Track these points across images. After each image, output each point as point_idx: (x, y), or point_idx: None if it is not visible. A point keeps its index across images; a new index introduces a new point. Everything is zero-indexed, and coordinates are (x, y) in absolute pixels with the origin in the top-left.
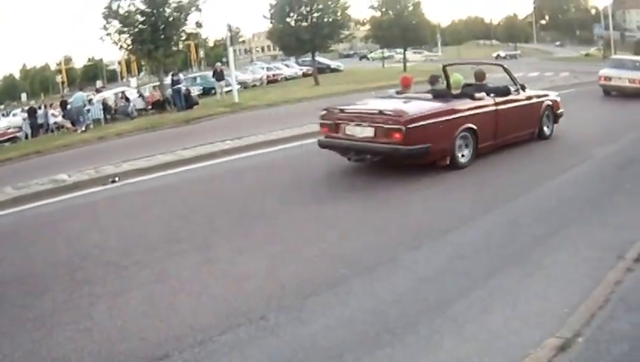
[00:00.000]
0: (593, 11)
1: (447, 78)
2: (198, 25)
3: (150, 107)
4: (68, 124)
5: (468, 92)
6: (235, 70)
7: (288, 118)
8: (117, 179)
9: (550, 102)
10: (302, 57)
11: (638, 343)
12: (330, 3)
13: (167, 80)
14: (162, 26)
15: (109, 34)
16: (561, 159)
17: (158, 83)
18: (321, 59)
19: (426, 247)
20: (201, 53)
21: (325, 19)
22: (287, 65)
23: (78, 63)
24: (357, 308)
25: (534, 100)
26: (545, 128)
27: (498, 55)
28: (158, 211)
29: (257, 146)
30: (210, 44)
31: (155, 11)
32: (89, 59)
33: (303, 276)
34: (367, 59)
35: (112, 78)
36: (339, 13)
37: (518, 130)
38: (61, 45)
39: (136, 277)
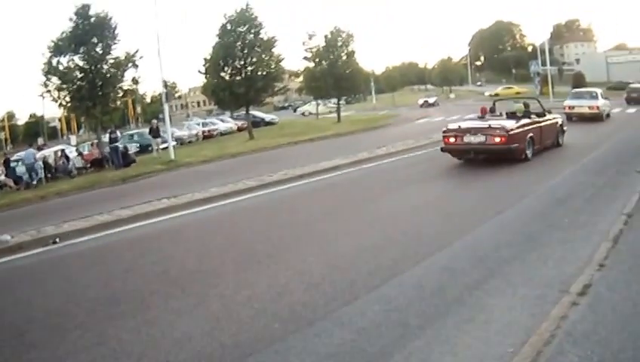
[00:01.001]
0: (530, 48)
1: (494, 107)
2: (135, 81)
3: (89, 165)
4: (11, 183)
5: (526, 114)
6: (172, 126)
7: (223, 175)
8: (58, 240)
9: (561, 122)
10: (236, 112)
11: None
12: (264, 56)
13: (105, 137)
14: (100, 83)
15: (48, 90)
16: (498, 198)
17: (96, 140)
18: (255, 112)
19: (360, 301)
20: (138, 110)
21: (259, 73)
22: (222, 120)
23: (22, 119)
24: None
25: (554, 120)
26: (560, 139)
27: (425, 101)
28: (97, 272)
29: (193, 204)
30: (148, 100)
31: (93, 67)
32: (31, 115)
33: (243, 335)
34: (295, 111)
35: (53, 135)
36: (273, 66)
37: (549, 139)
38: (3, 101)
39: (80, 340)
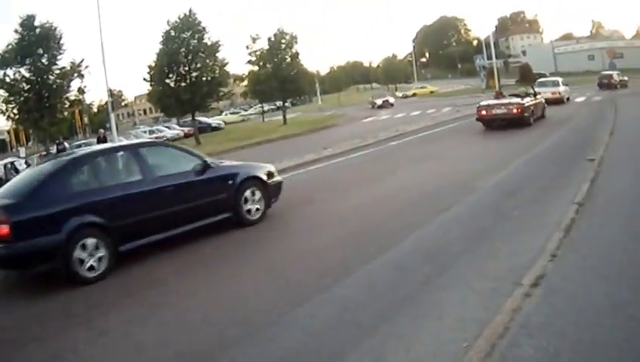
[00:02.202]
0: (475, 42)
1: (502, 92)
2: (81, 91)
3: None
4: None
5: (527, 95)
6: (119, 135)
7: None
8: None
9: (544, 101)
10: (183, 118)
11: None
12: (208, 61)
13: (54, 149)
14: (46, 94)
15: None
16: (447, 194)
17: (44, 152)
18: (201, 118)
19: (312, 304)
20: (86, 120)
21: (204, 78)
22: (168, 128)
23: None
24: None
25: (541, 99)
26: (544, 113)
27: (386, 101)
28: (52, 283)
29: None
30: (95, 109)
31: (39, 79)
32: None
33: (196, 342)
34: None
35: (2, 147)
36: (217, 71)
37: (540, 112)
38: None
39: (36, 353)
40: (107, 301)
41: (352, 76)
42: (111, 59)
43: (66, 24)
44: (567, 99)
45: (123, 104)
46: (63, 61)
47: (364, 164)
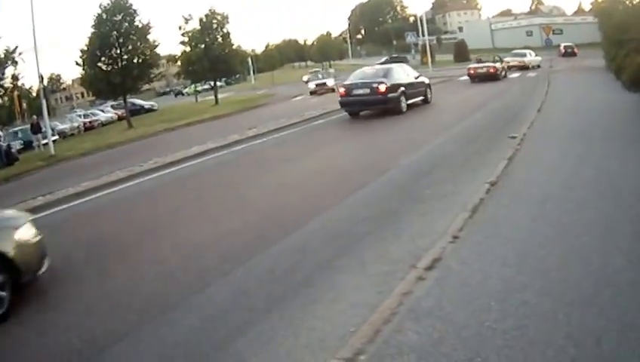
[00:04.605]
0: (412, 19)
1: (481, 59)
2: (15, 78)
3: None
4: None
5: (497, 61)
6: (56, 119)
7: (99, 167)
8: None
9: (506, 66)
10: (116, 101)
11: (426, 352)
12: (139, 43)
13: None
14: None
15: None
16: (360, 174)
17: None
18: (134, 100)
19: (211, 288)
20: (24, 105)
21: (135, 61)
22: (102, 111)
23: None
24: (146, 355)
25: (504, 65)
26: (507, 74)
27: (323, 85)
28: None
29: (67, 200)
30: (34, 94)
31: None
32: None
33: (99, 329)
34: (183, 94)
35: None
36: (148, 53)
37: (504, 72)
38: None
39: None
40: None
41: (286, 54)
42: (49, 42)
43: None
44: (539, 66)
45: (62, 87)
46: None
47: (285, 144)
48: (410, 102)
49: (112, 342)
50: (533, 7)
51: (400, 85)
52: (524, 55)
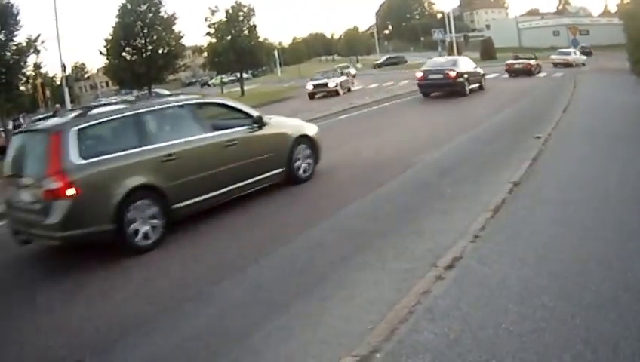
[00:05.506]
0: (439, 16)
1: (518, 56)
2: (37, 66)
3: None
4: None
5: (532, 58)
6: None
7: None
8: None
9: (540, 63)
10: (142, 91)
11: (441, 353)
12: (164, 34)
13: (10, 125)
14: (3, 70)
15: None
16: (382, 170)
17: (1, 129)
18: (159, 90)
19: (227, 281)
20: (48, 93)
21: (160, 51)
22: None
23: None
24: (162, 345)
25: (538, 62)
26: (540, 70)
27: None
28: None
29: None
30: (58, 82)
31: None
32: None
33: (115, 319)
34: (209, 85)
35: None
36: (173, 44)
37: (538, 69)
38: None
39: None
40: (42, 279)
41: (314, 48)
42: (74, 30)
43: None
44: (583, 64)
45: (86, 76)
46: (20, 37)
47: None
48: (470, 87)
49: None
50: (560, 7)
51: (464, 73)
52: (569, 53)
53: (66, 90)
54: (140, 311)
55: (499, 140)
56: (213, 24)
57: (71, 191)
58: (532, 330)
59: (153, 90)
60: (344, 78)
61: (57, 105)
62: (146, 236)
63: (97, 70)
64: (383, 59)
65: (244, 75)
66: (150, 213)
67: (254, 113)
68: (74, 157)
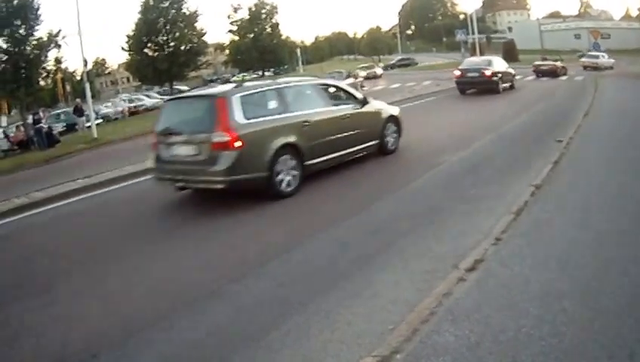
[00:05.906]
0: (462, 17)
1: (546, 59)
2: (58, 61)
3: (16, 147)
4: None
5: (558, 60)
6: (99, 103)
7: (142, 152)
8: None
9: (564, 65)
10: (163, 87)
11: (461, 355)
12: (186, 31)
13: (30, 119)
14: (24, 65)
15: None
16: (406, 170)
17: (21, 122)
18: (180, 87)
19: (248, 278)
20: (68, 88)
21: (182, 48)
22: (148, 96)
23: None
24: (178, 342)
25: (563, 65)
26: (565, 72)
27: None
28: (4, 257)
29: (105, 184)
30: (78, 77)
31: (16, 50)
32: None
33: (132, 314)
34: (230, 83)
35: None
36: (195, 41)
37: (564, 71)
38: None
39: None
40: (62, 272)
41: (336, 47)
42: (95, 26)
43: None
44: (612, 67)
45: (107, 72)
46: (40, 32)
47: None
48: (503, 85)
49: None
50: (582, 10)
51: (498, 72)
52: (598, 57)
53: (87, 85)
54: (158, 306)
55: (525, 139)
56: (236, 22)
57: (238, 144)
58: (552, 334)
59: (174, 87)
60: (351, 80)
61: (78, 100)
62: (288, 184)
63: (118, 66)
64: (394, 60)
65: (267, 73)
66: (291, 165)
67: (360, 95)
68: (239, 117)
